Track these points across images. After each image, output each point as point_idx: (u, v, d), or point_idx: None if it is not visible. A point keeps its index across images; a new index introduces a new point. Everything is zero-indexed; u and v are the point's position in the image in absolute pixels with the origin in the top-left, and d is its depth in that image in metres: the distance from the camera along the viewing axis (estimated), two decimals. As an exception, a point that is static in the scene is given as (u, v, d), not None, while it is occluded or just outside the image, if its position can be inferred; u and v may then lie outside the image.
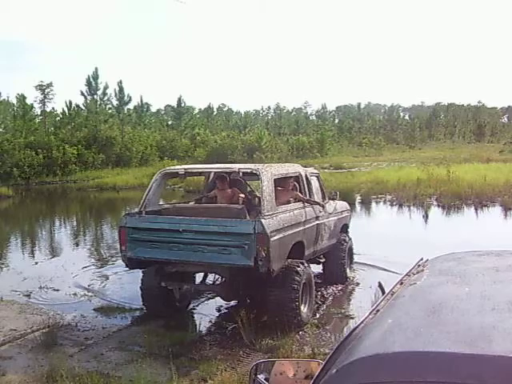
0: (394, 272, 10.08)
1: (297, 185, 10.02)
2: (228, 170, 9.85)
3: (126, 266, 9.17)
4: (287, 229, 8.64)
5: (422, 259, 2.76)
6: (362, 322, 1.98)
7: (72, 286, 11.71)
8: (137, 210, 9.36)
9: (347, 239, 11.55)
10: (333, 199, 11.44)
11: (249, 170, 9.28)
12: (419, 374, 1.55)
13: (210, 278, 10.11)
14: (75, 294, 11.05)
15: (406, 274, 2.50)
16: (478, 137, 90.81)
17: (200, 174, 11.77)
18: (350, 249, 11.72)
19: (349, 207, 12.58)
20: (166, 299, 9.20)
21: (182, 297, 9.48)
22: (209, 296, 10.44)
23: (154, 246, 8.61)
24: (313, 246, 9.90)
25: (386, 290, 2.40)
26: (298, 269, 8.52)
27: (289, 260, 8.62)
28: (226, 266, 8.39)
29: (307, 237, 9.50)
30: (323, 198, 10.90)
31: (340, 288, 10.93)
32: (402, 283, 2.37)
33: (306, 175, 10.31)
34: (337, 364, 1.73)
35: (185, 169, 9.90)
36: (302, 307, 8.60)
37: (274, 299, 8.37)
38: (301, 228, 9.21)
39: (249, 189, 10.76)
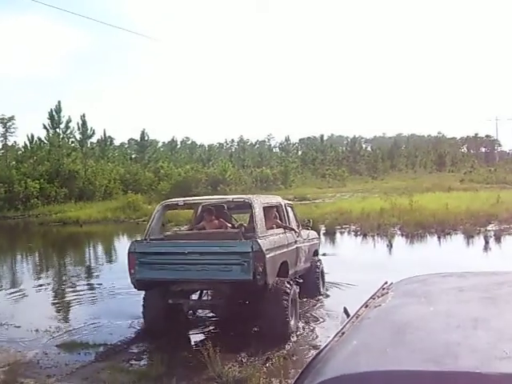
0: (365, 292, 10.12)
1: (277, 214, 11.09)
2: (222, 200, 11.37)
3: (135, 287, 9.87)
4: (276, 249, 9.70)
5: (386, 282, 2.76)
6: (327, 345, 1.96)
7: (34, 322, 11.39)
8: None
9: (319, 262, 12.95)
10: (307, 227, 12.87)
11: (241, 200, 10.52)
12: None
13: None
14: (37, 330, 10.74)
15: (371, 297, 2.50)
16: (438, 167, 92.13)
17: (194, 204, 12.43)
18: (322, 270, 12.97)
19: (317, 235, 14.38)
20: (170, 316, 9.85)
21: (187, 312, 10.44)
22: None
23: (161, 268, 9.48)
24: (294, 266, 10.91)
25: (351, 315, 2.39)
26: (288, 285, 9.50)
27: (277, 278, 9.53)
28: (227, 281, 9.28)
29: (290, 258, 10.52)
30: (297, 226, 11.96)
31: (308, 319, 10.88)
32: (366, 306, 2.36)
33: (284, 205, 11.43)
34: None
35: (184, 200, 11.47)
36: (290, 320, 9.46)
37: (268, 313, 9.18)
38: (285, 250, 10.27)
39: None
